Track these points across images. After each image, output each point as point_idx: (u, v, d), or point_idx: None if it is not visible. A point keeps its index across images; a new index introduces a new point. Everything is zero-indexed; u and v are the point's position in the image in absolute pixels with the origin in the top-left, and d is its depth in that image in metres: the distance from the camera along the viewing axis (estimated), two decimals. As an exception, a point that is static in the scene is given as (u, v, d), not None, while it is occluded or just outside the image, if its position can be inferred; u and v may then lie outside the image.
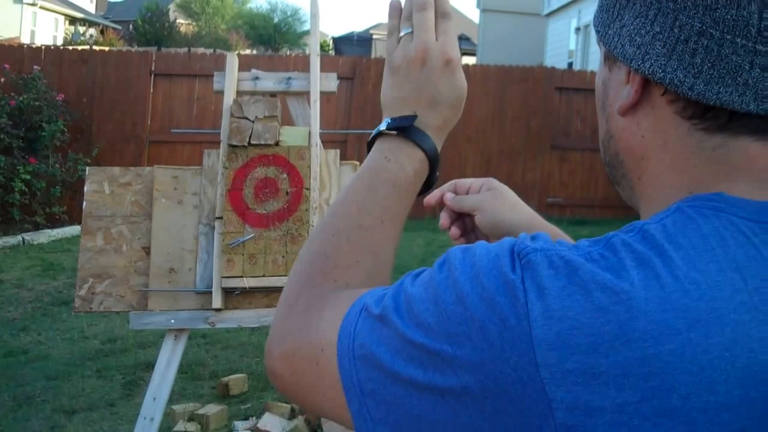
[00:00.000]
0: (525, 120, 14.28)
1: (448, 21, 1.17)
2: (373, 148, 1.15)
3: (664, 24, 0.89)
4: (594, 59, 21.08)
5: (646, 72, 0.91)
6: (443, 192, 1.44)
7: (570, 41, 24.84)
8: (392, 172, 1.11)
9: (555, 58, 25.06)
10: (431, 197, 1.43)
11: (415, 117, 1.13)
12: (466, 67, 14.60)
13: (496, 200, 1.39)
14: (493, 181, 1.45)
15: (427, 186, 1.17)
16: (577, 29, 24.05)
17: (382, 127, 1.14)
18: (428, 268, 0.90)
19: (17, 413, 5.35)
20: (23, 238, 11.06)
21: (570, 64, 23.97)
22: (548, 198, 14.30)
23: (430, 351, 0.81)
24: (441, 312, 0.82)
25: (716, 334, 0.77)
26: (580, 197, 14.42)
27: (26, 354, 6.53)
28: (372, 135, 1.16)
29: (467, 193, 1.44)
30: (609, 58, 1.00)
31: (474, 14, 63.10)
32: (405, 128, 1.12)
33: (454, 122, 1.19)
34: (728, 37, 0.85)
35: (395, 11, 1.18)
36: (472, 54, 31.19)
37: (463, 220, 1.44)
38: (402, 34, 1.16)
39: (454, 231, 1.42)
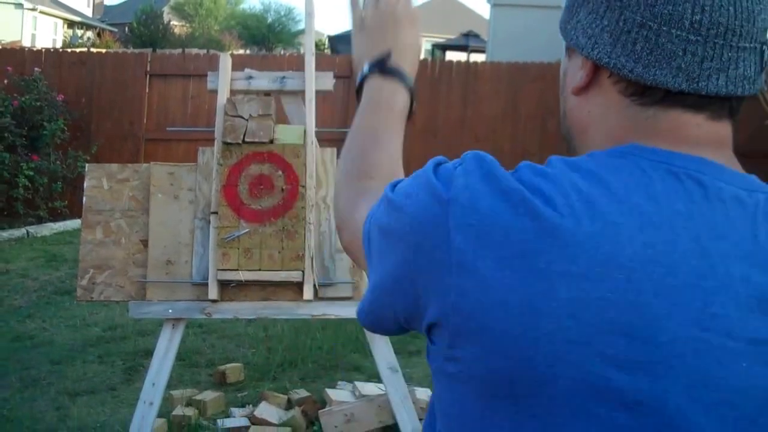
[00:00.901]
0: (540, 120, 12.95)
1: None
2: (363, 92, 1.39)
3: (611, 18, 1.02)
4: None
5: (595, 58, 1.04)
6: None
7: None
8: (386, 99, 1.36)
9: None
10: None
11: (389, 51, 1.39)
12: (475, 64, 14.03)
13: None
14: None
15: (410, 114, 1.40)
16: None
17: (366, 70, 1.39)
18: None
19: (24, 394, 5.35)
20: (27, 231, 11.06)
21: None
22: None
23: (390, 201, 1.06)
24: (403, 187, 1.07)
25: (585, 224, 0.92)
26: None
27: (32, 339, 6.52)
28: (358, 81, 1.41)
29: None
30: (568, 50, 1.13)
31: (483, 9, 61.19)
32: (385, 66, 1.38)
33: (416, 67, 1.44)
34: (665, 28, 0.98)
35: None
36: (482, 51, 30.39)
37: None
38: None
39: None
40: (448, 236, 0.95)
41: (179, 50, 19.47)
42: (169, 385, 4.73)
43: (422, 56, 21.60)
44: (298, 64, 9.52)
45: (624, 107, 1.04)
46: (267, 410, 4.87)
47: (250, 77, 4.61)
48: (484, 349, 0.94)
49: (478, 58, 26.38)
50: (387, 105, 1.35)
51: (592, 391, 0.90)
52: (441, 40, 40.66)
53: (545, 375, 0.91)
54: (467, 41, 31.33)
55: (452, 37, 38.48)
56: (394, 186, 1.09)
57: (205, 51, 22.27)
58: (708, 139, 1.02)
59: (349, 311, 4.51)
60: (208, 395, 5.11)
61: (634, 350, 0.90)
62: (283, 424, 4.74)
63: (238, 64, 5.47)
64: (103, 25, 48.41)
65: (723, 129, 1.04)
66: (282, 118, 4.58)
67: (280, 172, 4.34)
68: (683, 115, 1.02)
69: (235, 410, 5.00)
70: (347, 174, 1.32)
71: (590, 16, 1.06)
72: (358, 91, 1.40)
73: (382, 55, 1.38)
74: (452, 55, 29.32)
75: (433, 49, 39.94)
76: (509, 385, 0.93)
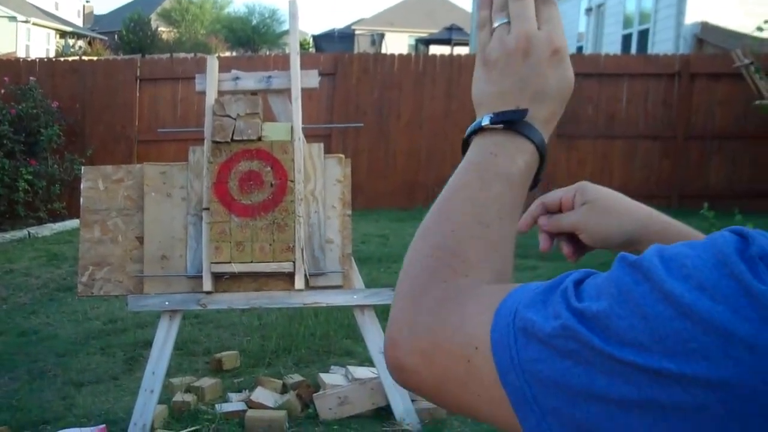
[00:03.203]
0: None
1: (551, 6, 0.99)
2: (472, 145, 1.00)
3: None
4: (608, 41, 18.94)
5: None
6: (533, 215, 1.27)
7: (579, 23, 21.68)
8: (503, 166, 0.95)
9: None
10: (522, 223, 1.20)
11: (526, 111, 0.96)
12: (458, 57, 13.89)
13: (596, 214, 1.18)
14: (586, 188, 1.22)
15: (536, 182, 0.98)
16: (588, 10, 21.04)
17: (485, 122, 0.98)
18: (592, 273, 0.76)
19: (32, 385, 5.36)
20: (29, 232, 11.06)
21: (580, 48, 20.64)
22: (553, 188, 12.81)
23: (645, 368, 0.66)
24: (655, 328, 0.66)
25: None
26: None
27: (37, 334, 6.52)
28: (469, 131, 1.01)
29: (559, 210, 1.25)
30: None
31: (466, 3, 59.11)
32: (513, 122, 0.95)
33: (560, 115, 1.01)
34: None
35: (486, 1, 1.00)
36: (465, 44, 30.18)
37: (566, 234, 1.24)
38: (496, 25, 0.98)
39: (567, 250, 1.24)
40: None
41: (167, 55, 19.42)
42: (169, 374, 4.74)
43: (405, 51, 21.51)
44: (283, 63, 9.49)
45: None
46: (263, 394, 4.87)
47: (237, 78, 4.62)
48: None
49: (461, 51, 26.31)
50: (506, 176, 0.94)
51: None
52: (424, 35, 40.56)
53: None
54: (450, 35, 31.21)
55: (435, 31, 38.32)
56: (578, 282, 0.74)
57: (192, 55, 22.20)
58: None
59: (339, 299, 4.53)
60: (206, 382, 5.12)
61: None
62: (278, 408, 4.74)
63: (225, 66, 5.46)
64: (94, 34, 48.10)
65: None
66: (269, 116, 4.58)
67: (268, 168, 4.35)
68: None
69: (232, 395, 5.01)
70: (426, 263, 0.89)
71: None
72: (466, 142, 1.03)
73: (515, 109, 0.96)
74: (436, 49, 29.24)
75: (416, 44, 39.83)
76: None
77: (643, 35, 17.04)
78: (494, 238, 0.90)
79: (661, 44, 15.55)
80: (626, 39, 17.99)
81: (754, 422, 0.63)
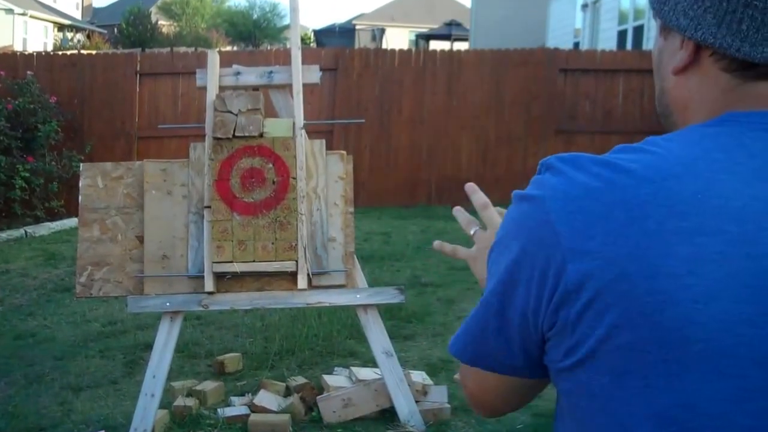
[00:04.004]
0: (525, 105, 12.90)
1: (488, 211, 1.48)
2: None
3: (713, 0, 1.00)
4: (604, 37, 19.18)
5: (699, 38, 1.03)
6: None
7: (576, 19, 21.76)
8: None
9: (559, 38, 21.79)
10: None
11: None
12: (458, 52, 13.88)
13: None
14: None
15: None
16: (584, 6, 20.83)
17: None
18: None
19: (29, 390, 5.32)
20: (26, 231, 11.02)
21: (576, 44, 21.04)
22: None
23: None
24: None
25: (689, 182, 0.94)
26: None
27: (34, 337, 6.49)
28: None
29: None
30: (664, 30, 1.11)
31: None
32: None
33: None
34: None
35: (464, 221, 1.51)
36: (465, 39, 30.15)
37: None
38: (472, 232, 1.47)
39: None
40: (555, 229, 0.97)
41: (168, 49, 19.38)
42: (170, 377, 4.72)
43: (406, 46, 21.40)
44: (284, 58, 9.47)
45: (724, 82, 1.03)
46: (266, 398, 4.85)
47: (238, 73, 4.59)
48: (611, 326, 0.93)
49: (461, 46, 26.27)
50: None
51: (723, 351, 0.90)
52: (424, 30, 40.66)
53: (675, 339, 0.91)
54: (450, 30, 31.31)
55: (435, 26, 38.50)
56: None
57: (193, 49, 22.18)
58: None
59: (342, 298, 4.51)
60: (208, 385, 5.09)
61: (759, 303, 0.90)
62: (282, 411, 4.73)
63: (226, 60, 5.44)
64: (93, 27, 48.17)
65: None
66: (270, 112, 4.56)
67: (270, 165, 4.33)
68: None
69: (234, 399, 4.99)
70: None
71: None
72: None
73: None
74: (436, 45, 29.26)
75: (416, 39, 39.90)
76: (640, 355, 0.92)
77: (638, 31, 17.14)
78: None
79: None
80: (621, 35, 18.12)
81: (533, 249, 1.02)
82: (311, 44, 45.17)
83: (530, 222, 1.00)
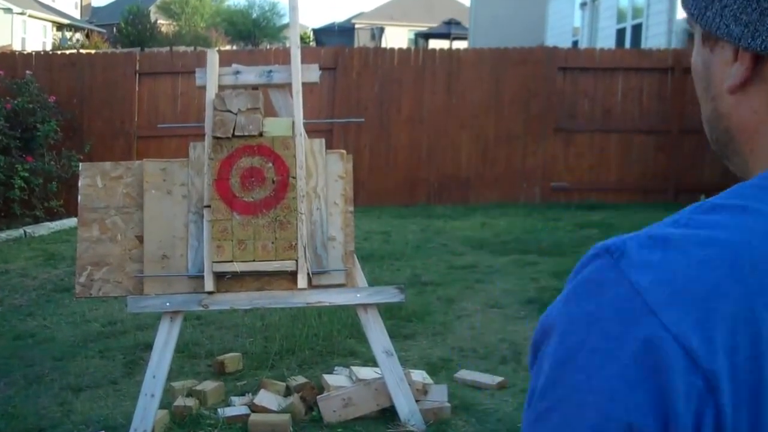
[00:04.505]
0: (524, 103, 12.87)
1: None
2: None
3: None
4: (603, 35, 18.85)
5: (759, 48, 0.86)
6: None
7: (575, 18, 21.38)
8: None
9: (558, 37, 21.37)
10: None
11: None
12: (457, 51, 13.92)
13: None
14: None
15: None
16: (583, 4, 20.73)
17: None
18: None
19: (29, 391, 5.32)
20: (25, 231, 11.01)
21: (575, 43, 20.64)
22: (552, 183, 12.93)
23: None
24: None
25: None
26: (588, 181, 12.85)
27: (33, 337, 6.48)
28: None
29: None
30: (709, 39, 0.93)
31: None
32: None
33: None
34: None
35: None
36: (464, 38, 30.15)
37: None
38: None
39: None
40: None
41: (167, 48, 19.40)
42: (170, 377, 4.72)
43: (405, 45, 21.45)
44: (284, 57, 9.47)
45: None
46: (266, 398, 4.85)
47: (238, 72, 4.59)
48: None
49: (460, 45, 26.25)
50: None
51: None
52: (423, 29, 40.68)
53: None
54: (449, 29, 31.34)
55: (434, 25, 38.53)
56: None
57: (192, 48, 22.21)
58: None
59: (342, 298, 4.51)
60: (208, 385, 5.09)
61: None
62: (282, 411, 4.73)
63: (225, 60, 5.44)
64: (92, 27, 48.14)
65: None
66: (270, 111, 4.56)
67: (270, 164, 4.33)
68: None
69: (235, 399, 4.99)
70: None
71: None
72: None
73: None
74: (435, 43, 29.27)
75: (416, 38, 39.91)
76: None
77: (637, 30, 17.12)
78: None
79: (654, 39, 15.63)
80: (620, 33, 18.10)
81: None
82: (310, 43, 45.18)
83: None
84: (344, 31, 47.92)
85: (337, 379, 5.08)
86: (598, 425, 0.73)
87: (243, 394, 5.08)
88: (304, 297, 4.39)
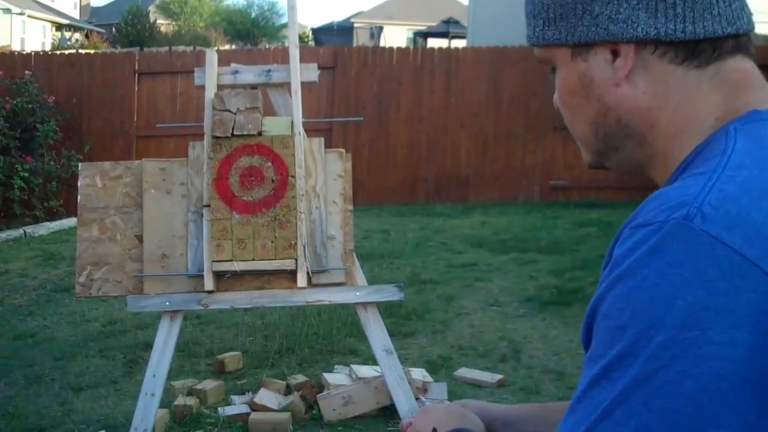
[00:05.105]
0: (524, 101, 12.86)
1: None
2: None
3: None
4: None
5: (640, 36, 1.00)
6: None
7: None
8: None
9: None
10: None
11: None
12: (456, 50, 13.96)
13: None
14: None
15: None
16: None
17: None
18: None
19: (29, 391, 5.33)
20: (25, 231, 11.02)
21: None
22: (552, 181, 12.96)
23: None
24: None
25: None
26: (588, 179, 12.68)
27: (33, 337, 6.49)
28: None
29: None
30: (581, 52, 1.07)
31: None
32: None
33: None
34: None
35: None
36: (462, 37, 30.15)
37: None
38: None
39: None
40: None
41: (166, 48, 19.38)
42: (170, 376, 4.71)
43: (404, 44, 21.53)
44: (282, 57, 9.46)
45: (681, 76, 1.02)
46: (266, 396, 4.86)
47: (237, 72, 4.59)
48: None
49: (459, 44, 26.25)
50: None
51: None
52: (422, 28, 40.70)
53: None
54: (448, 28, 31.34)
55: (433, 24, 38.53)
56: None
57: (191, 48, 22.18)
58: (760, 76, 1.04)
59: (342, 296, 4.50)
60: (209, 384, 5.10)
61: None
62: (282, 409, 4.73)
63: (224, 59, 5.44)
64: (91, 27, 48.12)
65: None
66: (269, 111, 4.55)
67: (269, 163, 4.32)
68: (737, 61, 1.03)
69: (235, 398, 4.99)
70: None
71: (611, 3, 1.01)
72: None
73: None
74: (434, 42, 29.26)
75: (414, 37, 39.91)
76: None
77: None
78: None
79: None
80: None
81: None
82: (309, 42, 45.19)
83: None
84: (343, 30, 47.90)
85: (337, 377, 5.08)
86: (722, 369, 0.78)
87: (243, 393, 5.09)
88: (303, 296, 4.39)
